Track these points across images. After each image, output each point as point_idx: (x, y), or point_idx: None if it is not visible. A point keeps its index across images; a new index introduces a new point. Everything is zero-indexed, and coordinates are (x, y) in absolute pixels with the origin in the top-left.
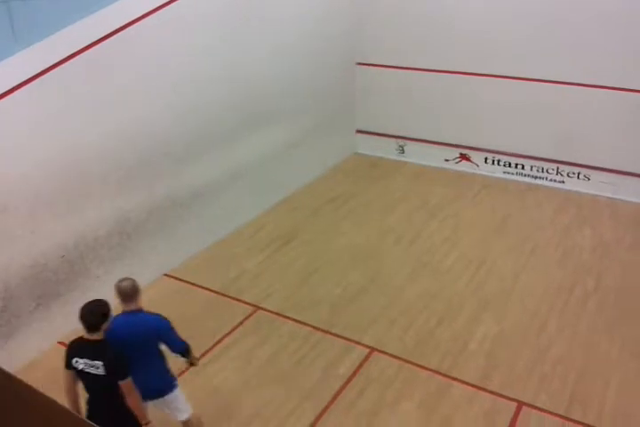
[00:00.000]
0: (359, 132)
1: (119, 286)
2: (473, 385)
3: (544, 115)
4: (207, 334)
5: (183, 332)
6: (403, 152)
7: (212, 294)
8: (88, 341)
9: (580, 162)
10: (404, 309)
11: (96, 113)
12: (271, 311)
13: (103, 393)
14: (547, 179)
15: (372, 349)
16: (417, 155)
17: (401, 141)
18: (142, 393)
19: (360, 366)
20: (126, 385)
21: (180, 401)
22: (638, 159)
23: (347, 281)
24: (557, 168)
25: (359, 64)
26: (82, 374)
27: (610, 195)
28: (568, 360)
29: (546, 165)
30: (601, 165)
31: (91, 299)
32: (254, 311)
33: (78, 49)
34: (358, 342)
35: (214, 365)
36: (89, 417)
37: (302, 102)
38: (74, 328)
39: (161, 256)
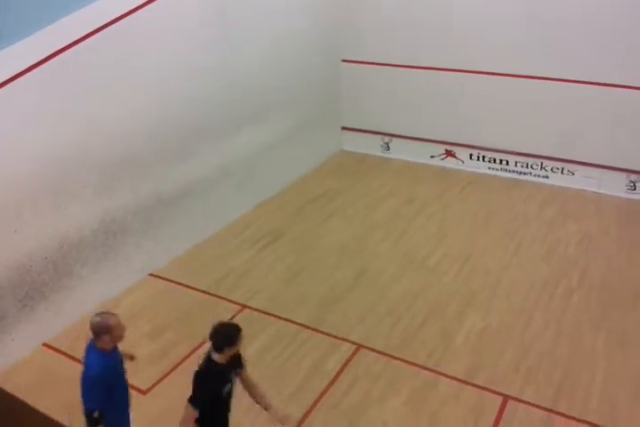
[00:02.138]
0: (345, 129)
1: (90, 321)
2: (459, 380)
3: (528, 111)
4: (194, 334)
5: (170, 332)
6: (388, 149)
7: (199, 293)
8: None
9: (563, 157)
10: (391, 306)
11: (79, 111)
12: (258, 310)
13: None
14: (531, 174)
15: (359, 345)
16: (402, 151)
17: (386, 138)
18: None
19: (347, 363)
20: (185, 410)
21: None
22: (621, 154)
23: (334, 279)
24: (542, 163)
25: (344, 61)
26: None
27: (594, 189)
28: (553, 354)
29: (530, 161)
30: (585, 160)
31: (76, 300)
32: (241, 310)
33: (60, 47)
34: (345, 340)
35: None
36: None
37: (288, 100)
38: (61, 330)
39: (146, 256)
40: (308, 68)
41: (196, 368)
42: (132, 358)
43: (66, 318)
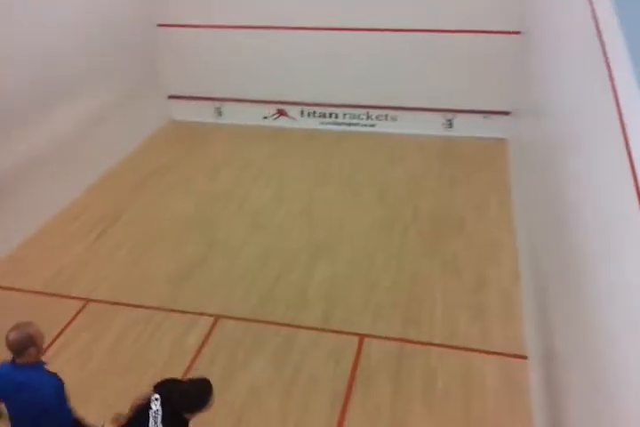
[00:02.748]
0: (171, 97)
1: (6, 340)
2: (317, 329)
3: (345, 63)
4: None
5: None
6: (220, 115)
7: (33, 295)
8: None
9: (385, 104)
10: (243, 271)
11: None
12: (104, 301)
13: None
14: (360, 124)
15: (218, 316)
16: (235, 115)
17: (217, 103)
18: None
19: (208, 335)
20: None
21: None
22: (435, 96)
23: (182, 255)
24: (367, 113)
25: (160, 26)
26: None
27: (416, 131)
28: (397, 287)
29: (357, 112)
30: (405, 105)
31: None
32: (85, 305)
33: None
34: (203, 313)
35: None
36: None
37: (102, 72)
38: None
39: None
40: (119, 37)
41: None
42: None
43: None
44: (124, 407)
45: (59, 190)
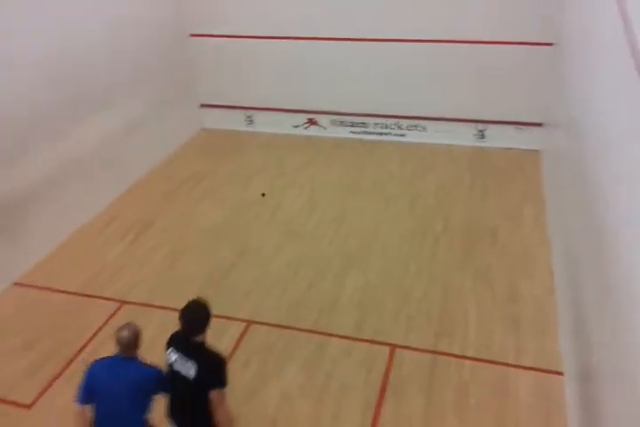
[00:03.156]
0: (204, 106)
1: (118, 336)
2: (348, 338)
3: (377, 73)
4: (71, 339)
5: (45, 341)
6: (251, 123)
7: (70, 296)
8: (189, 340)
9: (416, 115)
10: (275, 278)
11: None
12: (138, 304)
13: (189, 399)
14: (390, 134)
15: (250, 322)
16: (266, 124)
17: (249, 112)
18: None
19: (240, 339)
20: (218, 396)
21: None
22: (467, 107)
23: (214, 261)
24: (398, 122)
25: (193, 35)
26: (171, 370)
27: (447, 142)
28: (430, 298)
29: (387, 121)
30: (435, 116)
31: None
32: (120, 307)
33: None
34: (235, 318)
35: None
36: (170, 415)
37: (135, 81)
38: None
39: (5, 265)
40: (152, 47)
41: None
42: None
43: None
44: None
45: (94, 196)
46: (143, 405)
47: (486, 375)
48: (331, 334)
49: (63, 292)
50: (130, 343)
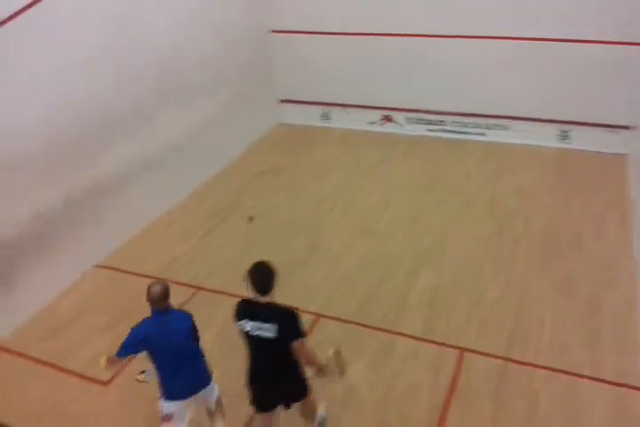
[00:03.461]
0: (282, 101)
1: (151, 291)
2: (417, 338)
3: (459, 71)
4: None
5: (126, 322)
6: (328, 119)
7: (149, 279)
8: (258, 303)
9: (497, 113)
10: (346, 273)
11: None
12: (213, 290)
13: (274, 358)
14: (469, 133)
15: (318, 315)
16: (342, 120)
17: (326, 108)
18: (196, 384)
19: (309, 332)
20: (300, 345)
21: (214, 387)
22: (551, 106)
23: (287, 253)
24: (477, 121)
25: (274, 31)
26: (250, 338)
27: (528, 142)
28: (504, 303)
29: (466, 120)
30: (517, 115)
31: (11, 305)
32: (196, 292)
33: None
34: (304, 311)
35: None
36: (254, 382)
37: (218, 76)
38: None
39: (89, 247)
40: (235, 42)
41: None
42: None
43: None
44: (233, 387)
45: (174, 187)
46: (197, 346)
47: (559, 386)
48: (399, 333)
49: (141, 275)
50: (163, 296)
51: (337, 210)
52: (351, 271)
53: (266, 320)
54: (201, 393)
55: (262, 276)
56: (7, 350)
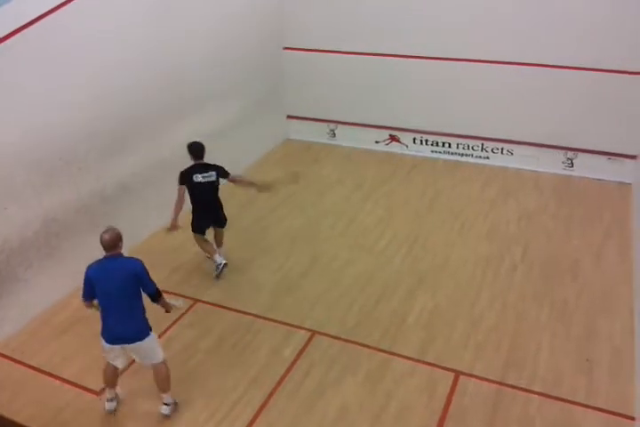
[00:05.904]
0: (290, 117)
1: (101, 238)
2: (412, 359)
3: (466, 94)
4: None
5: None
6: (334, 136)
7: None
8: (200, 164)
9: (502, 137)
10: (344, 291)
11: (11, 111)
12: (210, 303)
13: (213, 196)
14: (473, 155)
15: (314, 332)
16: (348, 138)
17: (332, 125)
18: (119, 336)
19: (303, 349)
20: (233, 177)
21: (156, 346)
22: (558, 132)
23: (285, 268)
24: (482, 145)
25: (286, 49)
26: (199, 187)
27: (532, 168)
28: (500, 328)
29: (471, 143)
30: (523, 140)
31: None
32: (193, 304)
33: None
34: (300, 327)
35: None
36: (200, 218)
37: (229, 89)
38: (5, 336)
39: (94, 253)
40: (248, 57)
41: None
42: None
43: (11, 325)
44: (222, 405)
45: None
46: (138, 292)
47: (553, 412)
48: (394, 354)
49: None
50: (113, 243)
51: (337, 226)
52: (349, 289)
53: (208, 169)
54: (130, 349)
55: (196, 147)
56: (4, 355)
